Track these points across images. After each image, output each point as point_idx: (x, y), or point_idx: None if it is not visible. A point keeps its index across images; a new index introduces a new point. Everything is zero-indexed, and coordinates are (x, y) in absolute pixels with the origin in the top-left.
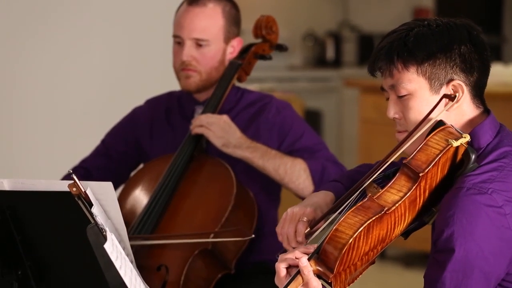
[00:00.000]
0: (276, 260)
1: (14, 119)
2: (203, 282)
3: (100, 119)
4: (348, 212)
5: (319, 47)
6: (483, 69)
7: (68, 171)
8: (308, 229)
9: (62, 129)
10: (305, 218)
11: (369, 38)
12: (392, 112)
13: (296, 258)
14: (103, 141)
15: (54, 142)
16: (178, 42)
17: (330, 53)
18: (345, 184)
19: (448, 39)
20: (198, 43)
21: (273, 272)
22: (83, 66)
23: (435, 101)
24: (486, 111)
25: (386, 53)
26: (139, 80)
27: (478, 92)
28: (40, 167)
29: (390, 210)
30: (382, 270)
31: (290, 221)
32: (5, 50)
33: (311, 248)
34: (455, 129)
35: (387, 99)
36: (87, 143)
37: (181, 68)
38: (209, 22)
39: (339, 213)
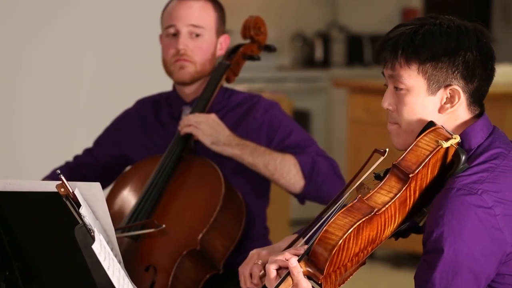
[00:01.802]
0: None
1: (13, 119)
2: (191, 282)
3: (97, 120)
4: (338, 214)
5: (307, 47)
6: (486, 78)
7: (56, 171)
8: (263, 271)
9: (60, 129)
10: (260, 261)
11: (357, 38)
12: (387, 103)
13: (286, 260)
14: (96, 139)
15: (52, 142)
16: (173, 33)
17: (318, 53)
18: None
19: (455, 44)
20: (194, 31)
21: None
22: (79, 67)
23: (431, 102)
24: (480, 114)
25: (392, 45)
26: (138, 81)
27: (477, 99)
28: (36, 167)
29: (380, 211)
30: (371, 270)
31: (247, 263)
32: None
33: (301, 250)
34: (446, 130)
35: (385, 85)
36: (83, 144)
37: (175, 59)
38: (203, 13)
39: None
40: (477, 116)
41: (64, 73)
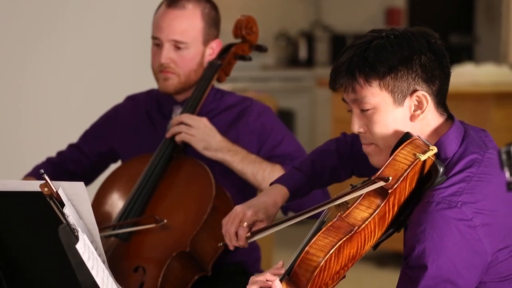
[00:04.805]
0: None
1: (9, 119)
2: (180, 283)
3: (86, 116)
4: (319, 234)
5: (291, 47)
6: (444, 77)
7: (39, 169)
8: (249, 234)
9: (48, 127)
10: (245, 223)
11: (341, 38)
12: (357, 126)
13: (268, 281)
14: (83, 134)
15: (41, 140)
16: (157, 44)
17: (302, 53)
18: (305, 172)
19: (408, 51)
20: (177, 46)
21: (249, 273)
22: (75, 65)
23: (401, 113)
24: (450, 118)
25: (347, 69)
26: (130, 78)
27: (441, 100)
28: (26, 165)
29: (360, 228)
30: (355, 269)
31: (232, 221)
32: None
33: (282, 270)
34: (422, 141)
35: (349, 111)
36: (69, 140)
37: (159, 70)
38: (188, 25)
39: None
40: (447, 121)
41: (55, 71)
